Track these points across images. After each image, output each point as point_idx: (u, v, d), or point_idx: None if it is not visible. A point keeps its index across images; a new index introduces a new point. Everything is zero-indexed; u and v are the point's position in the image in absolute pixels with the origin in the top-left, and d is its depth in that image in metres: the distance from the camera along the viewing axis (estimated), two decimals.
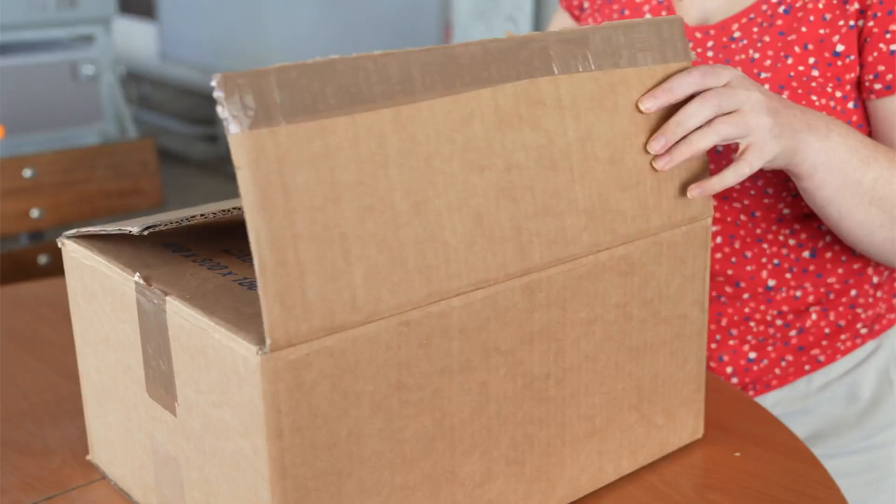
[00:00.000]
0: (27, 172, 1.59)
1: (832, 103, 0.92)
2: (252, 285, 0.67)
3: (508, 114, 0.67)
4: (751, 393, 1.04)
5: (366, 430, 0.62)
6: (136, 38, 4.96)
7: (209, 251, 0.75)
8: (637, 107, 0.75)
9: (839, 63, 0.92)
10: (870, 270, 1.02)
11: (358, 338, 0.60)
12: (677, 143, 0.75)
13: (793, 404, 1.04)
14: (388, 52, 0.62)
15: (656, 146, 0.75)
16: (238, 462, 0.62)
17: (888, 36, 0.89)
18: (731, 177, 0.77)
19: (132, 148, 1.70)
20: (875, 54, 0.90)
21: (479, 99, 0.65)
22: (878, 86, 0.91)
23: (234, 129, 0.55)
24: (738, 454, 0.83)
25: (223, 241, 0.77)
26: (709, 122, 0.76)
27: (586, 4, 1.13)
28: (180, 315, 0.64)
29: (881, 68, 0.91)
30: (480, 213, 0.65)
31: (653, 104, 0.75)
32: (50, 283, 1.20)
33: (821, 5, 0.92)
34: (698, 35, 0.99)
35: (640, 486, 0.79)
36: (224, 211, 0.74)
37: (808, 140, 0.81)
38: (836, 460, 1.00)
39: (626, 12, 1.05)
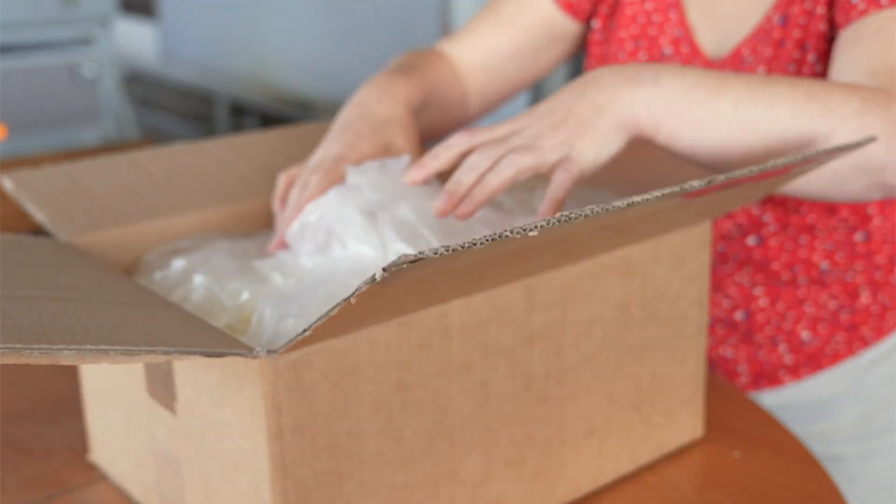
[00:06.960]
0: None
1: None
2: None
3: None
4: (804, 370, 1.04)
5: (366, 429, 0.62)
6: (136, 38, 4.96)
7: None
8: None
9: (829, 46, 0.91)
10: None
11: (358, 338, 0.60)
12: (476, 185, 0.71)
13: (842, 384, 1.04)
14: None
15: (440, 206, 0.71)
16: (238, 462, 0.62)
17: None
18: (558, 192, 0.72)
19: (132, 149, 1.70)
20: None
21: None
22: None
23: None
24: (737, 454, 0.83)
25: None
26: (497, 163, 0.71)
27: (596, 24, 1.06)
28: None
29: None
30: None
31: (419, 174, 0.74)
32: None
33: (807, 6, 0.92)
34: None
35: (640, 486, 0.79)
36: None
37: (633, 95, 0.74)
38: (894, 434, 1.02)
39: (642, 44, 1.02)
